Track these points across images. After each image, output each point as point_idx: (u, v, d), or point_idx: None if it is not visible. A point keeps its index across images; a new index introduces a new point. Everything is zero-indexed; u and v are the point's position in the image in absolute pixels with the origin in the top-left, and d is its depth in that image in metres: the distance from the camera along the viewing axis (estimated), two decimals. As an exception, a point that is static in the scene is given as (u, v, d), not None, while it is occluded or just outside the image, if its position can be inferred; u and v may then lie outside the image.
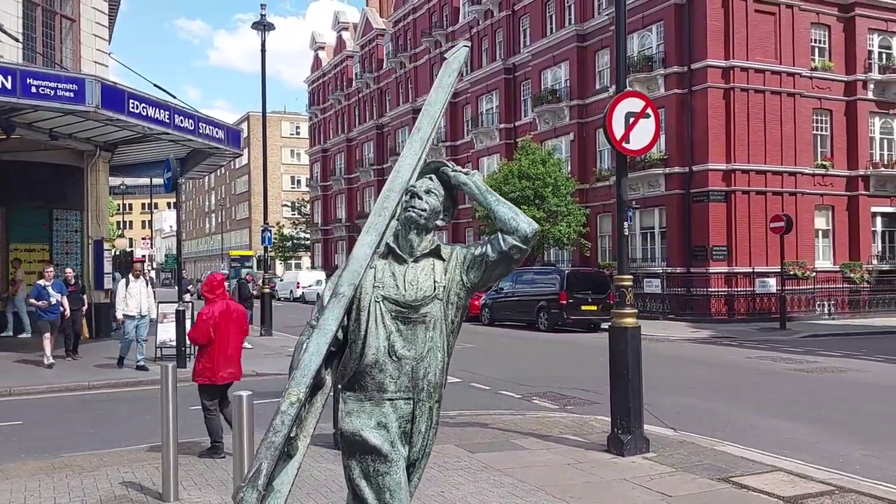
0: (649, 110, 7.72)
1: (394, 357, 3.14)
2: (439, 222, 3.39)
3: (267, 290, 22.28)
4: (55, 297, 14.01)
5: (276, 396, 10.55)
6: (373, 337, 3.15)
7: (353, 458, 3.14)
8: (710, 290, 27.13)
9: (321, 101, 70.99)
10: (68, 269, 15.84)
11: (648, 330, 23.04)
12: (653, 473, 6.89)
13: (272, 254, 44.16)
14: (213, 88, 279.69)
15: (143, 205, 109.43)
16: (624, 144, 7.65)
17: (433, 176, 3.46)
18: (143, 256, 54.14)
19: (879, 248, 31.28)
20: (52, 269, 14.79)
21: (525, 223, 3.23)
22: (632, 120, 7.63)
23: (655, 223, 30.16)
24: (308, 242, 73.35)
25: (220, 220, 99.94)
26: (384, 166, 56.99)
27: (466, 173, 3.42)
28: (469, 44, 4.09)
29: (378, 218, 3.39)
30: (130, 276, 13.80)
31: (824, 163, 30.27)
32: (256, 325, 21.18)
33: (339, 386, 3.27)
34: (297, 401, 2.97)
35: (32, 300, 14.09)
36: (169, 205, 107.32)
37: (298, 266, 76.48)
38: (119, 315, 13.52)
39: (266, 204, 24.51)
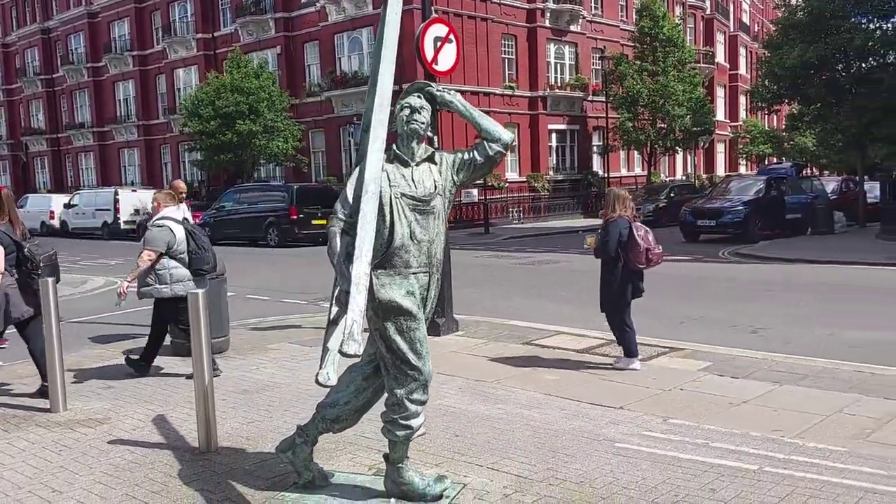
0: (452, 36, 8.79)
1: (415, 240, 3.97)
2: (429, 133, 4.21)
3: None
4: None
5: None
6: (398, 225, 3.93)
7: (388, 320, 3.94)
8: (421, 200, 29.46)
9: (-37, -3, 61.00)
10: None
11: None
12: (470, 345, 8.29)
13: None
14: None
15: None
16: (434, 66, 8.66)
17: (420, 94, 4.23)
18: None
19: (555, 161, 36.15)
20: None
21: (505, 133, 4.17)
22: (439, 44, 8.65)
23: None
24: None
25: None
26: (55, 76, 51.24)
27: (449, 93, 4.25)
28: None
29: (381, 129, 4.09)
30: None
31: (511, 84, 33.85)
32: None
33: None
34: (364, 274, 3.68)
35: None
36: None
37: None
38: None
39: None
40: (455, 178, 4.16)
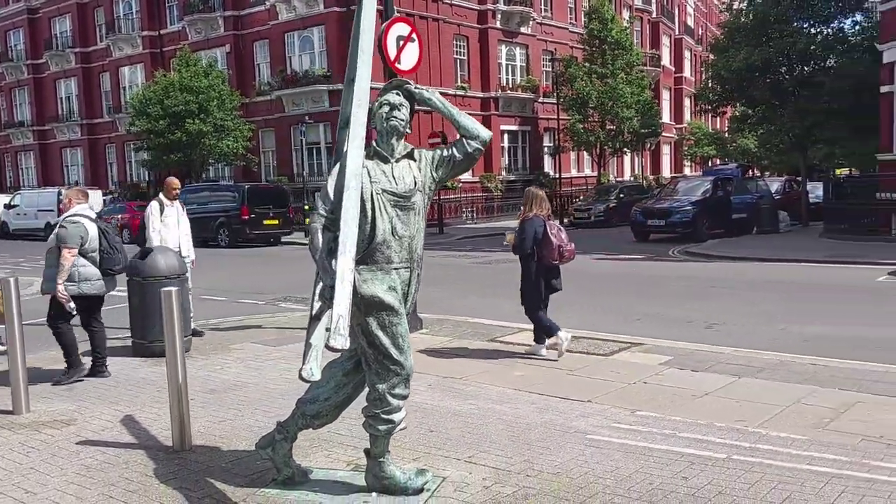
0: (414, 35, 8.83)
1: (396, 236, 4.01)
2: (408, 130, 4.25)
3: None
4: None
5: None
6: (380, 221, 3.96)
7: (371, 315, 3.96)
8: (374, 200, 29.41)
9: None
10: None
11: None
12: (436, 343, 8.35)
13: None
14: None
15: None
16: (396, 65, 8.66)
17: (398, 92, 4.26)
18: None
19: (507, 162, 36.43)
20: None
21: (484, 131, 4.24)
22: (401, 43, 8.68)
23: (321, 138, 31.44)
24: None
25: None
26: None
27: (427, 90, 4.29)
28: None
29: (359, 128, 4.11)
30: (163, 197, 9.23)
31: (463, 85, 34.01)
32: None
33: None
34: (349, 270, 3.69)
35: None
36: None
37: None
38: None
39: None
40: (434, 174, 4.21)
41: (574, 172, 40.76)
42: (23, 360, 5.85)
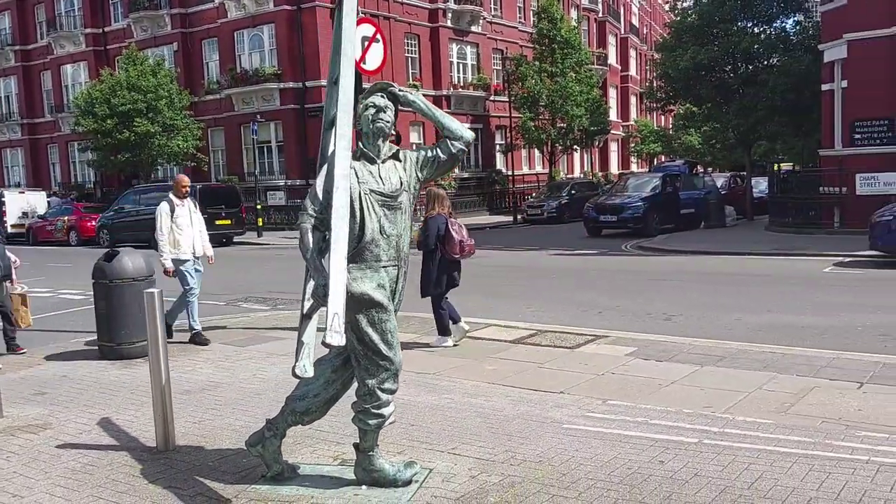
0: (378, 36, 8.92)
1: (384, 234, 4.11)
2: (393, 131, 4.35)
3: None
4: None
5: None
6: (368, 220, 4.07)
7: (361, 312, 4.06)
8: (328, 199, 29.30)
9: None
10: None
11: (279, 240, 24.33)
12: (406, 340, 8.38)
13: None
14: None
15: None
16: (362, 65, 8.74)
17: (383, 94, 4.36)
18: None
19: (460, 159, 36.56)
20: None
21: (467, 132, 4.37)
22: (366, 43, 8.76)
23: (272, 137, 31.18)
24: None
25: None
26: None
27: (411, 93, 4.40)
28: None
29: (346, 128, 4.20)
30: (173, 196, 8.73)
31: (415, 83, 34.04)
32: None
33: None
34: (343, 268, 3.79)
35: None
36: None
37: None
38: (167, 262, 8.61)
39: None
40: (419, 174, 4.32)
41: (526, 169, 41.17)
42: (-6, 364, 5.78)
